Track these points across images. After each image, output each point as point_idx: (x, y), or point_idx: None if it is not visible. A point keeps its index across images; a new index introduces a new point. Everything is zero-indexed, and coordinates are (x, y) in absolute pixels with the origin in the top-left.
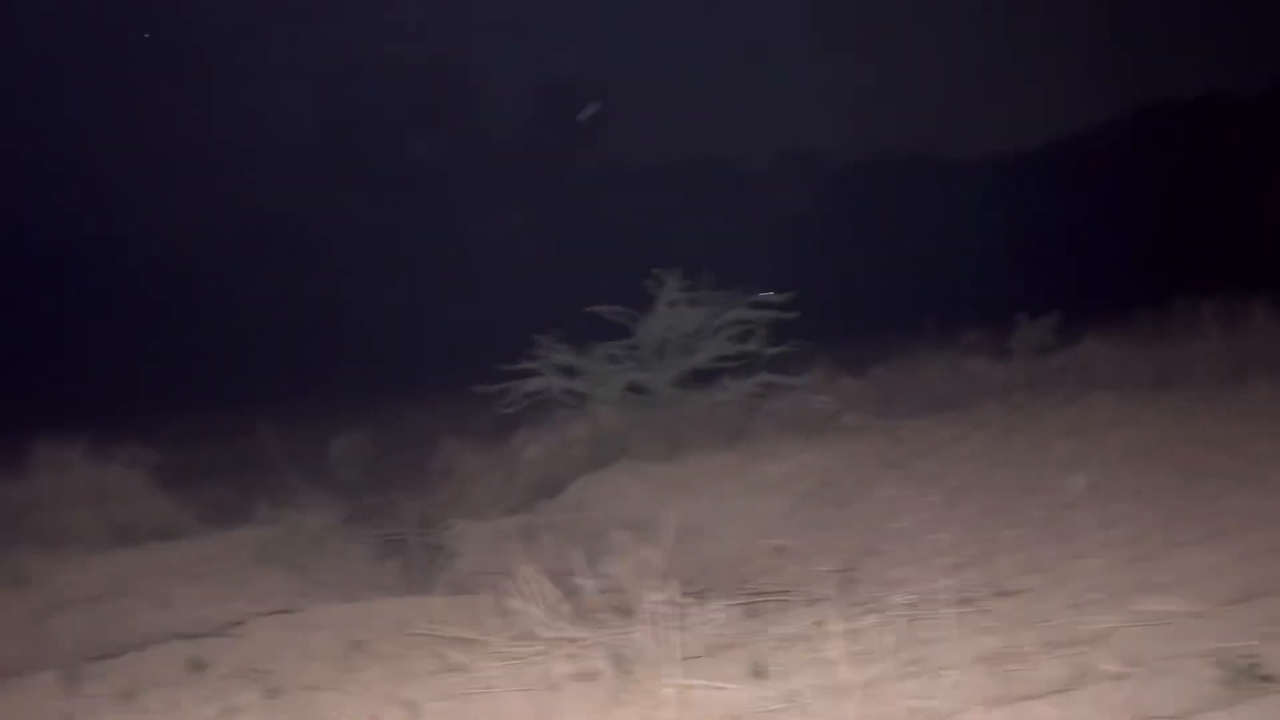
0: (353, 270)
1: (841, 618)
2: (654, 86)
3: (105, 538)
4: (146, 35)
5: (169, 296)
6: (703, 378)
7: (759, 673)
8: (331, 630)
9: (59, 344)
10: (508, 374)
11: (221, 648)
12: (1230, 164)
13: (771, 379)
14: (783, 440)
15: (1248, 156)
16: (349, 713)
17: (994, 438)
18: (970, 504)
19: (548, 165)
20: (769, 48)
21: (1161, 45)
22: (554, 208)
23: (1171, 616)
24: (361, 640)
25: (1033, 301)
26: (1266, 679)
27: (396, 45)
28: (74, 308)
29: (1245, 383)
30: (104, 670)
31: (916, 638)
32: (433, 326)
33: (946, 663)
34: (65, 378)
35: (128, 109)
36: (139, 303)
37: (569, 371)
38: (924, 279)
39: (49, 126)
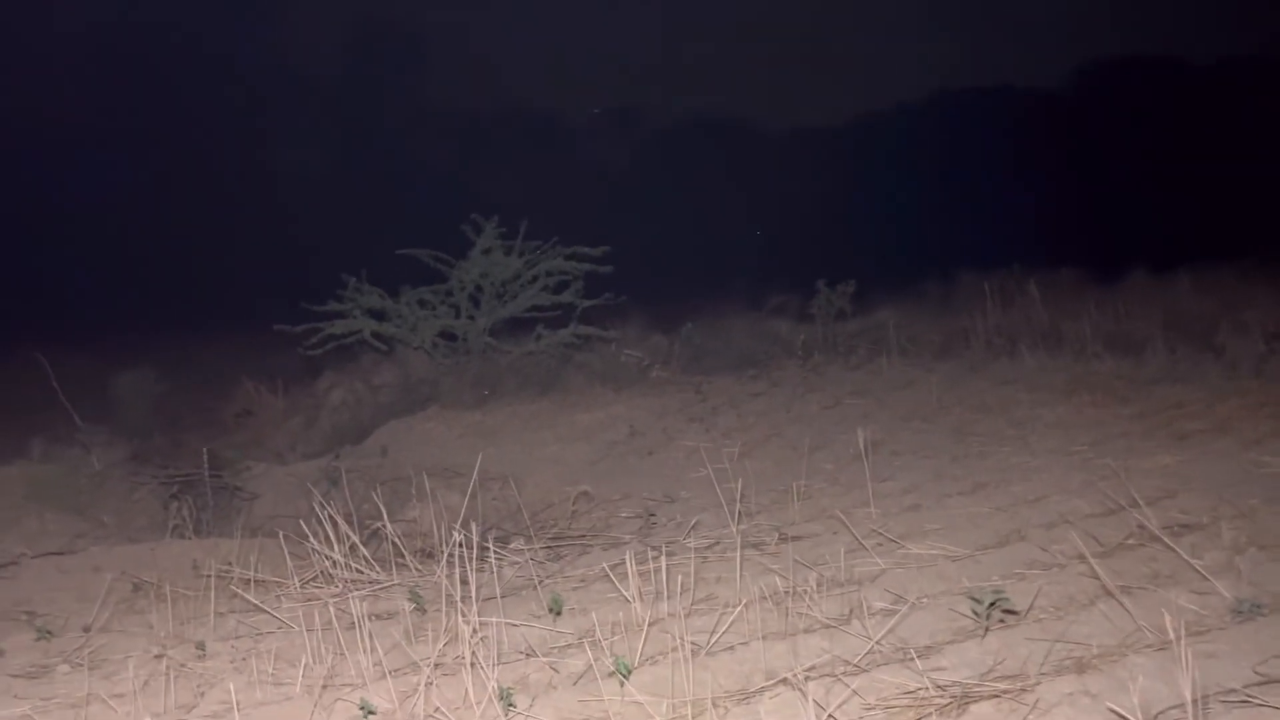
0: (156, 204)
1: (638, 559)
2: (474, 34)
3: None
4: None
5: None
6: (516, 327)
7: (555, 611)
8: (113, 571)
9: None
10: (314, 315)
11: None
12: (1022, 151)
13: (584, 331)
14: (593, 391)
15: (1043, 140)
16: (131, 653)
17: (790, 395)
18: (765, 456)
19: (363, 107)
20: (594, 5)
21: (966, 34)
22: (369, 151)
23: (935, 559)
24: (146, 582)
25: (833, 270)
26: (1010, 613)
27: None
28: None
29: (1015, 354)
30: None
31: (707, 578)
32: (236, 266)
33: (732, 600)
34: None
35: None
36: None
37: (379, 315)
38: (735, 243)
39: None
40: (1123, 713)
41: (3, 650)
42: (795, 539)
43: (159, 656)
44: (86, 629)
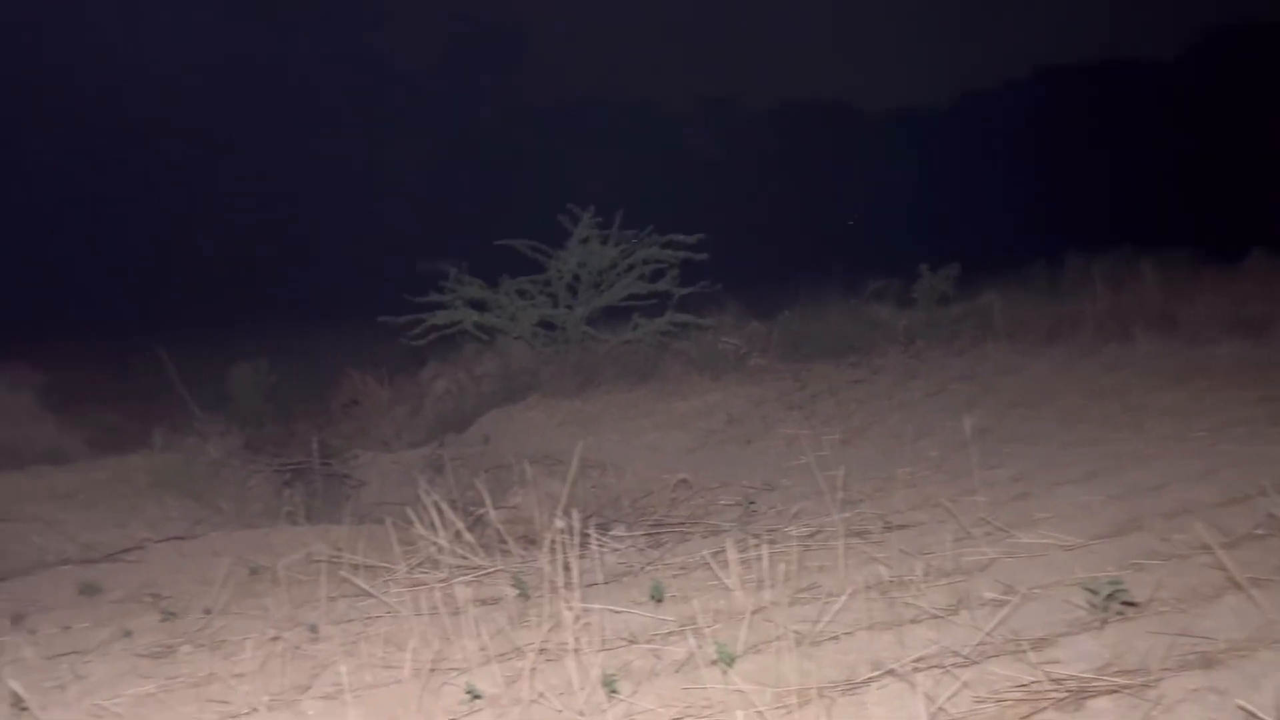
0: (264, 202)
1: (739, 547)
2: (571, 25)
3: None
4: None
5: (65, 221)
6: (614, 315)
7: (657, 598)
8: (231, 556)
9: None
10: (417, 306)
11: (115, 573)
12: (1133, 128)
13: (681, 319)
14: (690, 379)
15: (1151, 121)
16: (249, 635)
17: (893, 382)
18: (867, 443)
19: (460, 100)
20: None
21: (1071, 8)
22: (467, 143)
23: (1047, 549)
24: (262, 566)
25: (935, 253)
26: (1129, 605)
27: None
28: None
29: (1127, 338)
30: None
31: (810, 566)
32: (343, 260)
33: (836, 590)
34: None
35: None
36: (33, 227)
37: (479, 306)
38: (833, 228)
39: None
40: (1255, 710)
41: (130, 631)
42: (900, 528)
43: (275, 639)
44: (207, 611)
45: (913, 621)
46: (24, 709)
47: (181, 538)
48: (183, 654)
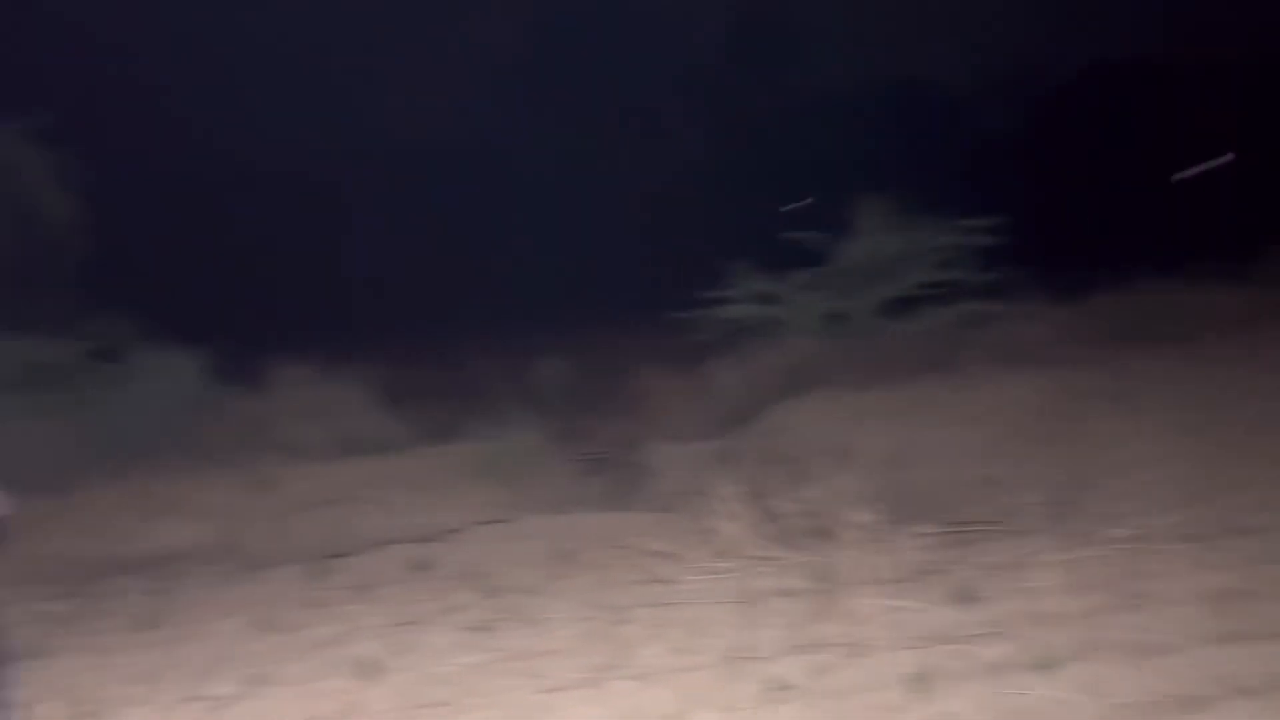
0: (557, 202)
1: (1053, 549)
2: (851, 6)
3: (334, 448)
4: None
5: (400, 234)
6: (905, 305)
7: (963, 598)
8: (542, 540)
9: (296, 274)
10: (704, 301)
11: (442, 551)
12: None
13: (978, 307)
14: (990, 370)
15: None
16: (560, 614)
17: (1223, 371)
18: (1196, 438)
19: (736, 88)
20: None
21: None
22: (749, 133)
23: None
24: (570, 550)
25: (1265, 228)
26: None
27: None
28: (309, 242)
29: None
30: (340, 566)
31: (1136, 571)
32: (629, 255)
33: (1170, 598)
34: (300, 305)
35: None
36: (373, 242)
37: (766, 299)
38: (1144, 202)
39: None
40: None
41: (456, 606)
42: (1241, 532)
43: (585, 619)
44: (523, 591)
45: (1263, 637)
46: (371, 671)
47: (498, 521)
48: (502, 629)
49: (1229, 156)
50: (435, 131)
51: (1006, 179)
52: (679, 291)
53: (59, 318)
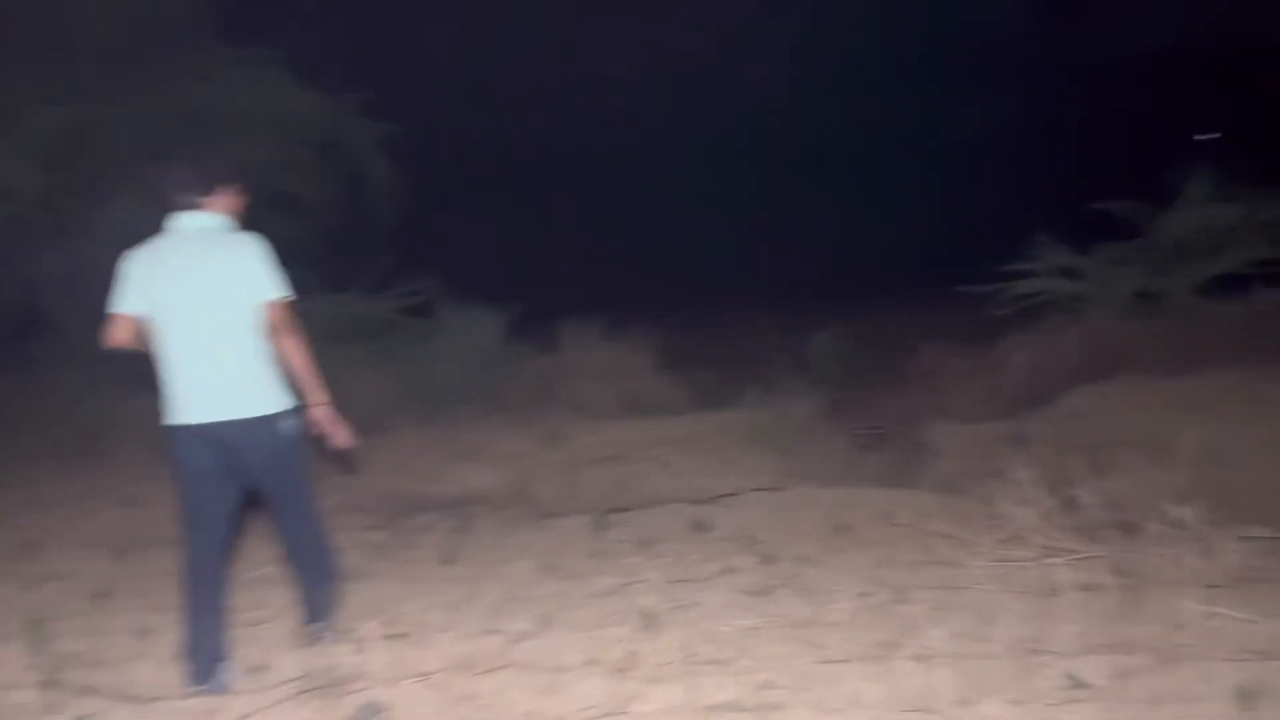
0: (849, 172)
1: None
2: None
3: (617, 408)
4: None
5: (675, 203)
6: (1227, 285)
7: None
8: (817, 510)
9: (587, 243)
10: (1000, 275)
11: (719, 514)
12: None
13: None
14: None
15: None
16: (838, 587)
17: None
18: None
19: (1031, 59)
20: None
21: None
22: (1051, 100)
23: None
24: (847, 523)
25: None
26: None
27: None
28: (600, 214)
29: None
30: (622, 520)
31: None
32: (921, 225)
33: None
34: (590, 273)
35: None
36: (650, 211)
37: (1069, 273)
38: None
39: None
40: None
41: (733, 568)
42: None
43: (864, 594)
44: (800, 559)
45: None
46: (650, 624)
47: (773, 489)
48: (779, 596)
49: None
50: (721, 104)
51: None
52: (973, 264)
53: (378, 277)
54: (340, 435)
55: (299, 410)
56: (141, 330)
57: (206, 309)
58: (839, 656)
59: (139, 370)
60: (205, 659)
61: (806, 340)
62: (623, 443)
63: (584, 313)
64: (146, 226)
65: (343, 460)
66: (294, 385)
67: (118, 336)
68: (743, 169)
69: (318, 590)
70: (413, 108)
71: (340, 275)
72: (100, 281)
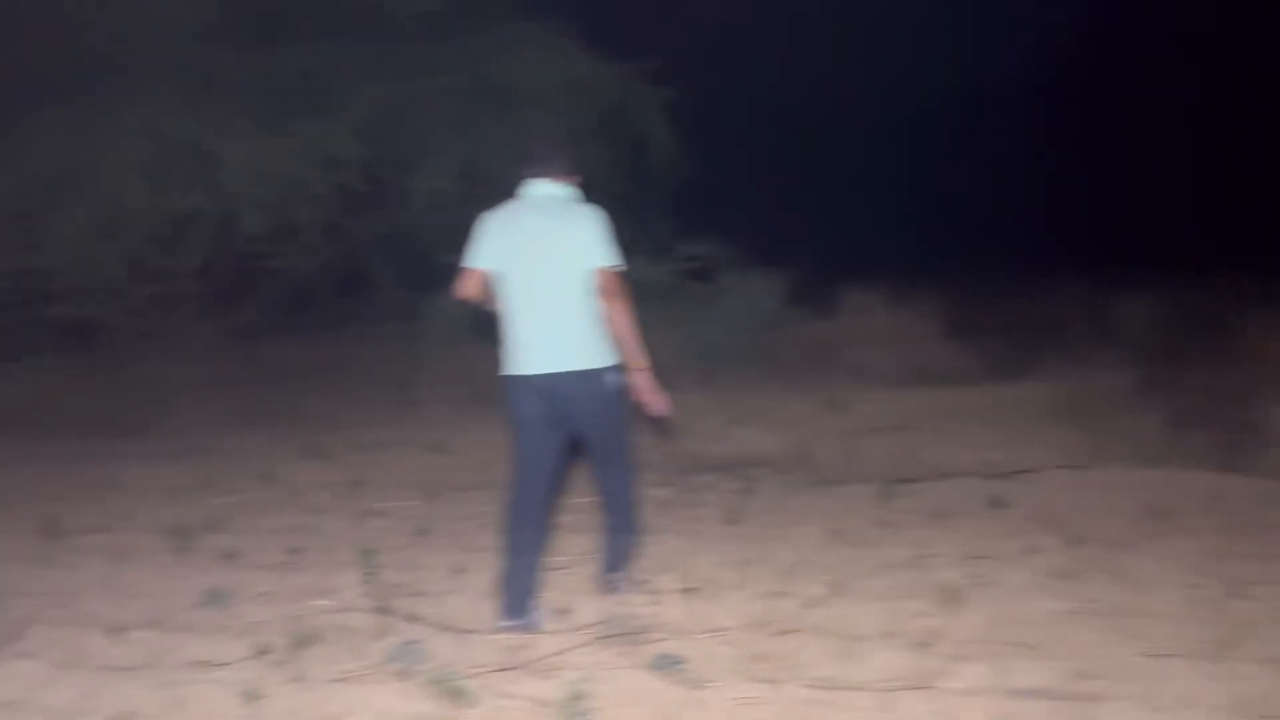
0: (1156, 126)
1: None
2: None
3: (899, 376)
4: None
5: (957, 169)
6: None
7: None
8: (1129, 491)
9: (865, 208)
10: None
11: (1017, 490)
12: None
13: None
14: None
15: None
16: (1160, 576)
17: None
18: None
19: None
20: None
21: None
22: None
23: None
24: (1165, 507)
25: None
26: None
27: None
28: (877, 178)
29: None
30: (909, 491)
31: None
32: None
33: None
34: (869, 238)
35: None
36: (928, 175)
37: None
38: None
39: None
40: None
41: (1036, 548)
42: None
43: (1193, 586)
44: (1112, 543)
45: None
46: (951, 600)
47: (1077, 467)
48: (1090, 580)
49: None
50: (1011, 56)
51: None
52: None
53: (660, 241)
54: (657, 401)
55: (622, 369)
56: (488, 286)
57: (550, 271)
58: (1166, 650)
59: (448, 328)
60: (519, 596)
61: (1113, 307)
62: (908, 411)
63: (866, 277)
64: (454, 193)
65: (658, 426)
66: (618, 349)
67: (468, 289)
68: (1041, 123)
69: (621, 540)
70: (694, 72)
71: (622, 240)
72: (413, 244)
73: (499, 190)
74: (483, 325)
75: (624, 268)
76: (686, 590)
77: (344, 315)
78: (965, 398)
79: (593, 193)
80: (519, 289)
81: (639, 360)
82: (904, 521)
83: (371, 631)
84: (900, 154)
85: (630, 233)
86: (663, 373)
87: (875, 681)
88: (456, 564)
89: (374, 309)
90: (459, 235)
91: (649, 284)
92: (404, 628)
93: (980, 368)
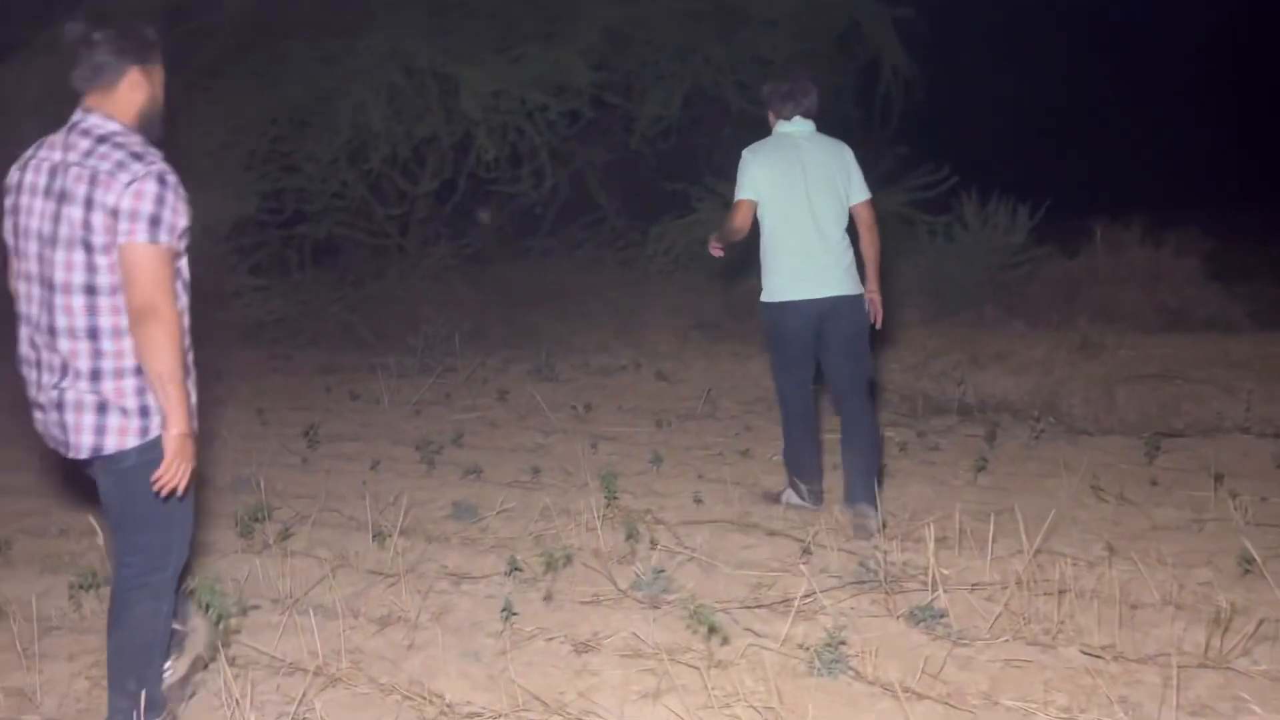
0: None
1: None
2: None
3: (1157, 320)
4: None
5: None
6: None
7: None
8: None
9: (1119, 142)
10: None
11: None
12: None
13: None
14: None
15: None
16: None
17: None
18: None
19: None
20: None
21: None
22: None
23: None
24: None
25: None
26: None
27: None
28: (1132, 112)
29: None
30: (1178, 446)
31: None
32: None
33: None
34: (1122, 173)
35: None
36: (1186, 111)
37: None
38: None
39: None
40: None
41: None
42: None
43: None
44: None
45: None
46: (1252, 570)
47: None
48: None
49: None
50: None
51: None
52: None
53: (890, 169)
54: (879, 320)
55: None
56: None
57: (813, 203)
58: None
59: (670, 256)
60: (812, 477)
61: None
62: (1169, 359)
63: (1117, 211)
64: (669, 121)
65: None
66: (868, 275)
67: (744, 221)
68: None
69: (869, 470)
70: None
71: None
72: (637, 171)
73: (718, 117)
74: (704, 257)
75: (871, 198)
76: (939, 539)
77: (568, 240)
78: (1235, 346)
79: (824, 119)
80: (784, 220)
81: (877, 283)
82: (1175, 480)
83: (617, 555)
84: (1164, 82)
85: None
86: (897, 307)
87: (1161, 655)
88: (693, 492)
89: (597, 234)
90: (681, 163)
91: (878, 213)
92: (649, 554)
93: (1249, 313)
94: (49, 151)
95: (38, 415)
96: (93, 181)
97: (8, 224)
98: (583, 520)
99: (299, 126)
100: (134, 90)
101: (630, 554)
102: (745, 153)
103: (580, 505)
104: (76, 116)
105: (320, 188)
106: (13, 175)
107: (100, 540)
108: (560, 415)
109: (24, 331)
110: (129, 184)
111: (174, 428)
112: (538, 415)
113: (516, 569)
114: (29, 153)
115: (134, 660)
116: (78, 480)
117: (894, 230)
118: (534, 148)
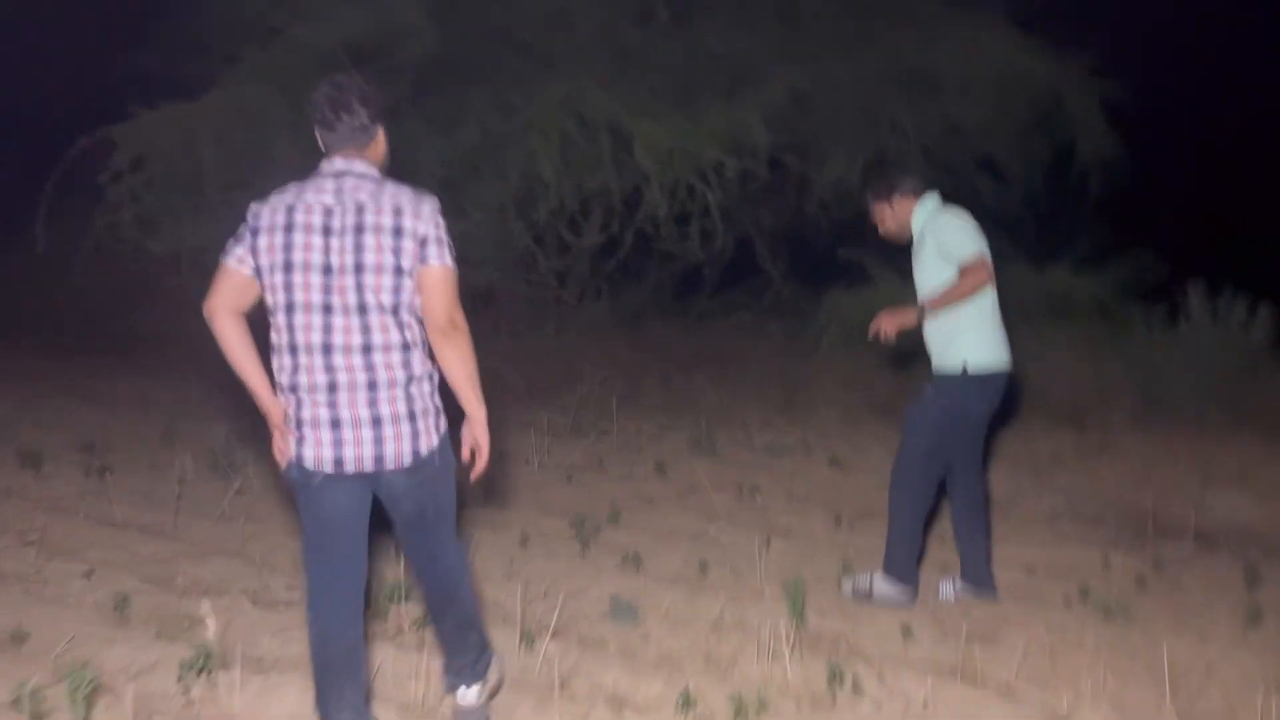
0: None
1: None
2: None
3: None
4: None
5: None
6: None
7: None
8: None
9: None
10: None
11: None
12: None
13: None
14: None
15: None
16: None
17: None
18: None
19: None
20: None
21: None
22: None
23: None
24: None
25: None
26: None
27: None
28: None
29: None
30: None
31: None
32: None
33: None
34: None
35: None
36: None
37: None
38: None
39: None
40: None
41: None
42: None
43: None
44: None
45: None
46: None
47: None
48: None
49: None
50: None
51: None
52: None
53: (1088, 253)
54: None
55: None
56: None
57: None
58: None
59: (841, 328)
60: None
61: None
62: None
63: None
64: (848, 186)
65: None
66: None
67: (988, 276)
68: None
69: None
70: (1134, 64)
71: (1038, 247)
72: (809, 236)
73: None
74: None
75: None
76: (1195, 709)
77: (728, 304)
78: None
79: (1011, 191)
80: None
81: None
82: None
83: (812, 698)
84: None
85: (1049, 240)
86: (1087, 405)
87: None
88: (900, 622)
89: (761, 300)
90: (853, 232)
91: (1071, 299)
92: (852, 701)
93: None
94: (317, 195)
95: (325, 435)
96: (398, 213)
97: (264, 260)
98: (764, 642)
99: (470, 172)
100: (379, 145)
101: (831, 702)
102: (948, 214)
103: (757, 618)
104: (340, 165)
105: (484, 235)
106: (264, 215)
107: (211, 625)
108: (724, 497)
109: (287, 361)
110: (431, 214)
111: (482, 414)
112: (698, 494)
113: (690, 703)
114: (282, 197)
115: (474, 619)
116: (209, 531)
117: (1095, 320)
118: (705, 206)
